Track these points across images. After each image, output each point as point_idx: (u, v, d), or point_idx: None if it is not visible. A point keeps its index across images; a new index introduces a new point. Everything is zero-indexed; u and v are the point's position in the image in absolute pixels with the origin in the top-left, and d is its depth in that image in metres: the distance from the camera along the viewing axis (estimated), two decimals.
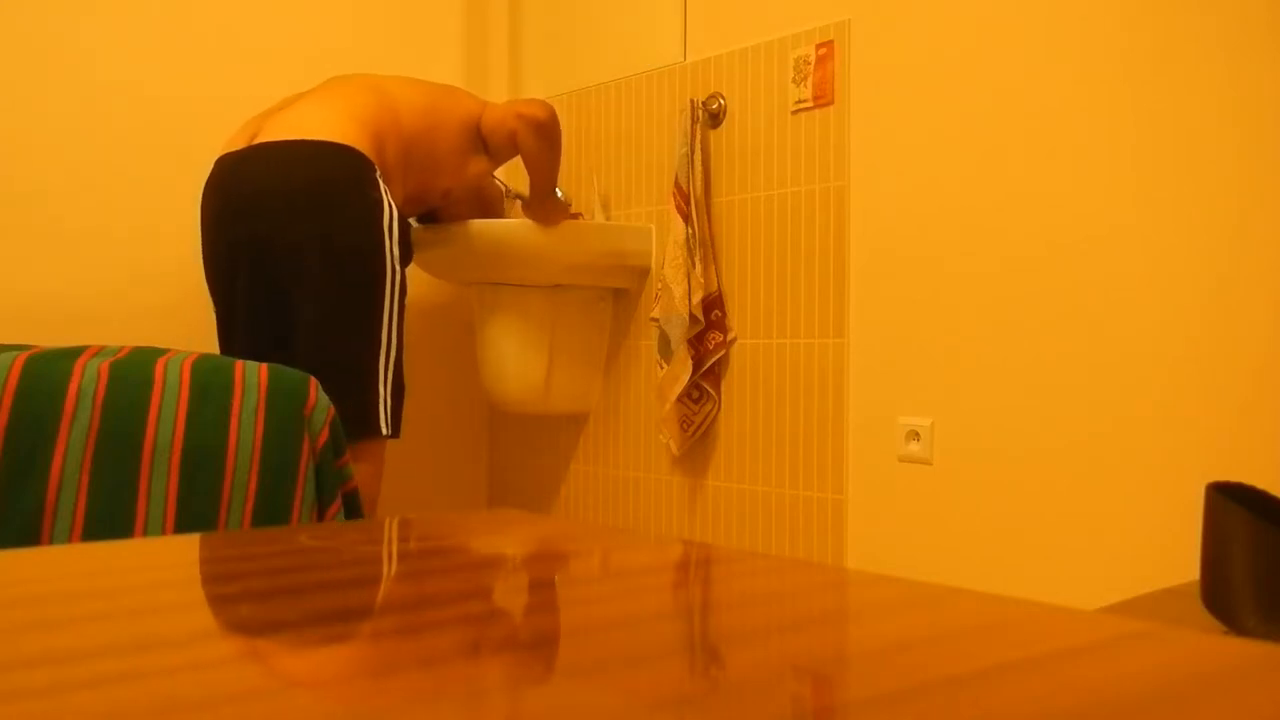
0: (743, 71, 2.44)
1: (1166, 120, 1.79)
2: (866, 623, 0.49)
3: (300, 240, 2.00)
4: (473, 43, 3.06)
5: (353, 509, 1.67)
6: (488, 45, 3.09)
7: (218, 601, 0.53)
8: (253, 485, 1.51)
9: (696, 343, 2.42)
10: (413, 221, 2.54)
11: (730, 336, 2.45)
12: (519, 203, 2.56)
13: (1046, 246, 1.94)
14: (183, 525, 1.46)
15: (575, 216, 2.64)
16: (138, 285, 2.50)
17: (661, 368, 2.42)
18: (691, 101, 2.48)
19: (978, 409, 2.03)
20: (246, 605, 0.51)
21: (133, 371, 1.50)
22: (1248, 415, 1.70)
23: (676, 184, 2.45)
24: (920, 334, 2.11)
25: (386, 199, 2.06)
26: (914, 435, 2.12)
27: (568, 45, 2.92)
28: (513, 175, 2.75)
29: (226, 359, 1.62)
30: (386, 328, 2.04)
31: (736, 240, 2.44)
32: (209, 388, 1.53)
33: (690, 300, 2.37)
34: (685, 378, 2.39)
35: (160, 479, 1.46)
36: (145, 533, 1.44)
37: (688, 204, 2.42)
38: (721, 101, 2.48)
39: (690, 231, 2.41)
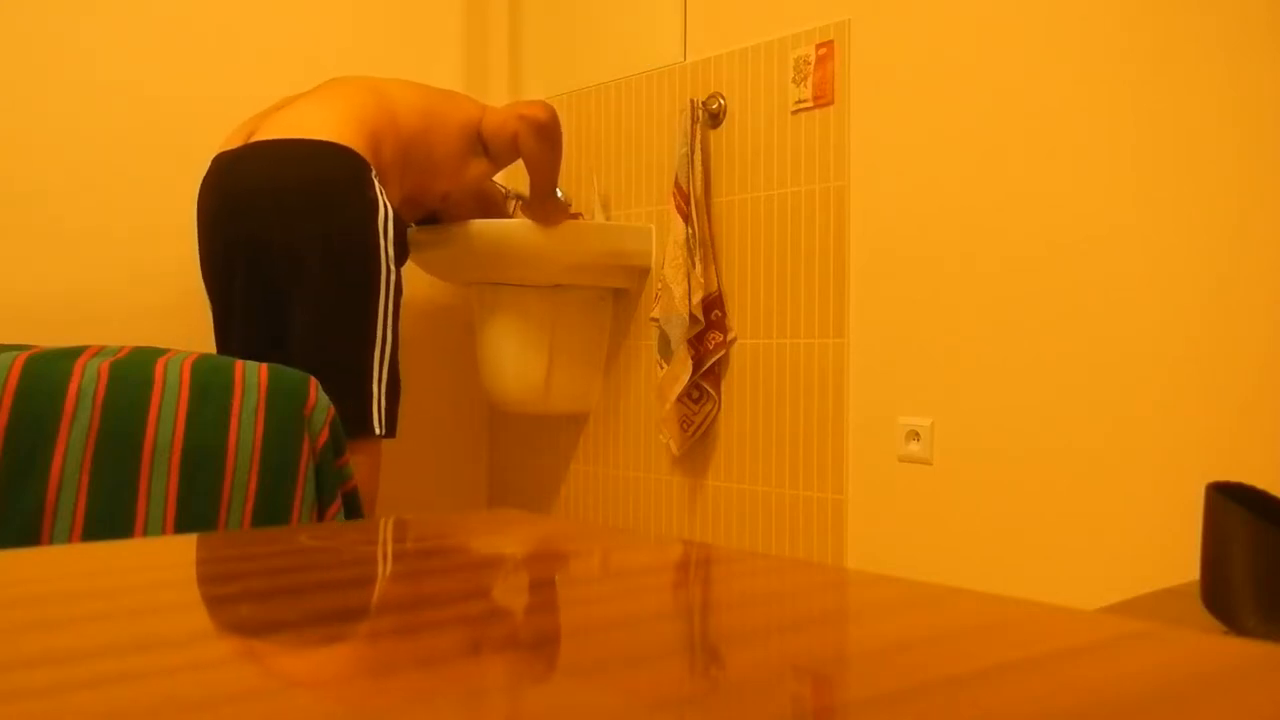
0: (743, 71, 2.44)
1: (1166, 120, 1.79)
2: (866, 623, 0.49)
3: (295, 240, 2.01)
4: (473, 43, 3.06)
5: (353, 509, 1.67)
6: (488, 46, 3.09)
7: (218, 601, 0.53)
8: (253, 485, 1.51)
9: (696, 343, 2.42)
10: (411, 225, 2.54)
11: (730, 336, 2.45)
12: (519, 203, 2.56)
13: (1046, 246, 1.94)
14: (183, 525, 1.46)
15: (575, 216, 2.64)
16: (138, 285, 2.49)
17: (661, 368, 2.42)
18: (691, 101, 2.48)
19: (978, 409, 2.03)
20: (246, 605, 0.51)
21: (133, 371, 1.50)
22: (1248, 415, 1.70)
23: (676, 184, 2.45)
24: (920, 334, 2.11)
25: (382, 199, 2.06)
26: (914, 435, 2.12)
27: (568, 45, 2.92)
28: (513, 176, 2.75)
29: (226, 359, 1.62)
30: (381, 327, 2.05)
31: (736, 240, 2.44)
32: (209, 388, 1.53)
33: (690, 300, 2.37)
34: (685, 378, 2.39)
35: (160, 479, 1.46)
36: (145, 533, 1.44)
37: (688, 204, 2.42)
38: (721, 101, 2.48)
39: (690, 231, 2.41)
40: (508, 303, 2.62)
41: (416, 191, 2.32)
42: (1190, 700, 0.36)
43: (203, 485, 1.48)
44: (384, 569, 0.64)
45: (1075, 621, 0.47)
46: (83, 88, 2.43)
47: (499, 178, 2.64)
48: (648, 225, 2.65)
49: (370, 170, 2.06)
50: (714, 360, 2.45)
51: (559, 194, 2.51)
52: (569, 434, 2.86)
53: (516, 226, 2.47)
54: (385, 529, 0.78)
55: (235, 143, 2.13)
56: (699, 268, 2.40)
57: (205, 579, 0.60)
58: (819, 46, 2.29)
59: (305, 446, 1.57)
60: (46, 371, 1.45)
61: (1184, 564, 1.52)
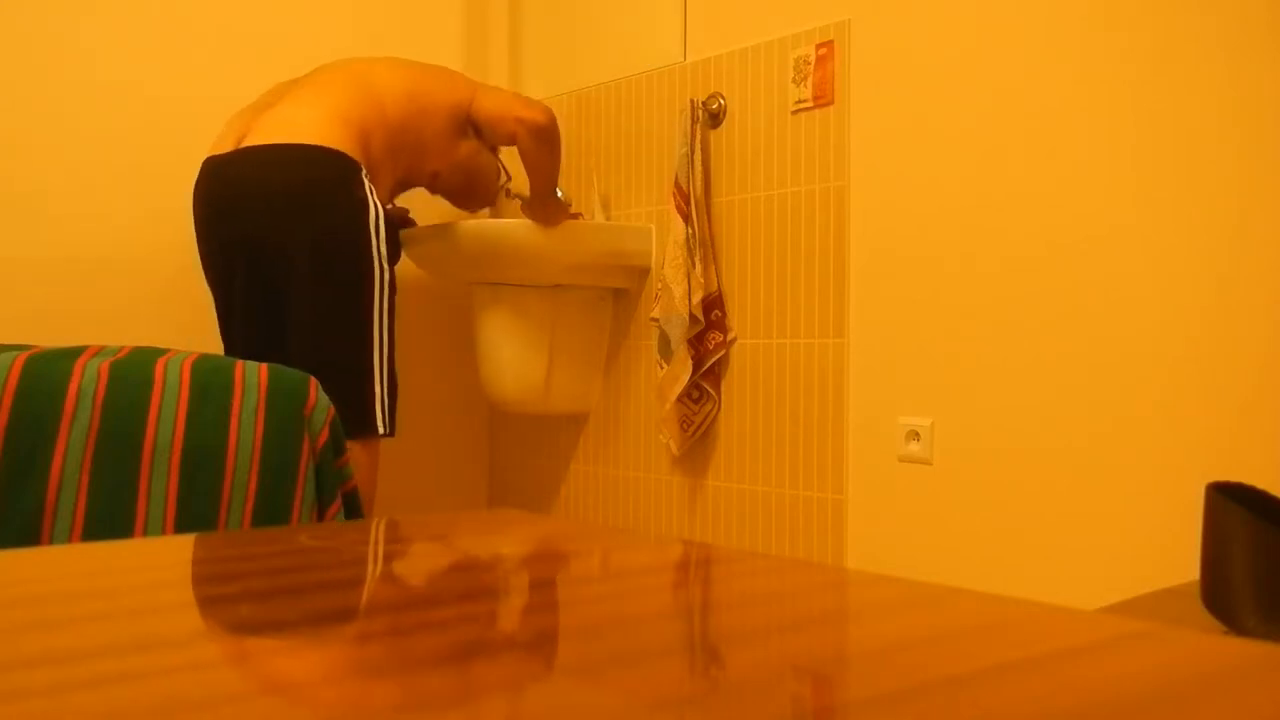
0: (743, 71, 2.44)
1: (1166, 120, 1.79)
2: (866, 623, 0.49)
3: (287, 243, 2.02)
4: (473, 43, 3.06)
5: (353, 509, 1.67)
6: (488, 45, 3.09)
7: (218, 601, 0.53)
8: (253, 485, 1.51)
9: (696, 343, 2.42)
10: (391, 203, 2.55)
11: (730, 336, 2.45)
12: (519, 203, 2.56)
13: (1046, 246, 1.94)
14: (183, 525, 1.46)
15: (575, 216, 2.64)
16: (138, 285, 2.50)
17: (661, 368, 2.42)
18: (691, 101, 2.48)
19: (978, 409, 2.03)
20: (246, 605, 0.51)
21: (133, 371, 1.50)
22: (1248, 415, 1.70)
23: (676, 184, 2.45)
24: (920, 334, 2.11)
25: (371, 198, 2.07)
26: (914, 435, 2.12)
27: (568, 45, 2.92)
28: (513, 169, 2.75)
29: (226, 359, 1.62)
30: (377, 326, 2.06)
31: (736, 240, 2.44)
32: (209, 388, 1.53)
33: (690, 300, 2.37)
34: (685, 378, 2.39)
35: (160, 479, 1.46)
36: (145, 533, 1.44)
37: (688, 204, 2.42)
38: (721, 101, 2.48)
39: (690, 231, 2.41)
40: (508, 303, 2.62)
41: (408, 174, 2.34)
42: (1190, 700, 0.36)
43: (203, 485, 1.48)
44: (383, 569, 0.64)
45: (1075, 621, 0.47)
46: (83, 87, 2.43)
47: (503, 158, 2.62)
48: (648, 225, 2.65)
49: (359, 170, 2.07)
50: (714, 360, 2.44)
51: (559, 194, 2.50)
52: (569, 434, 2.86)
53: (516, 226, 2.47)
54: (385, 529, 0.78)
55: (225, 145, 2.13)
56: (699, 268, 2.40)
57: (205, 579, 0.60)
58: (819, 46, 2.29)
59: (305, 446, 1.57)
60: (46, 371, 1.45)
61: (1184, 564, 1.52)
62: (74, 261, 2.43)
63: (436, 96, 2.29)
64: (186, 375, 1.53)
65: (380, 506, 2.77)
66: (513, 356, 2.63)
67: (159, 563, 0.65)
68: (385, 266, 2.08)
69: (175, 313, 2.50)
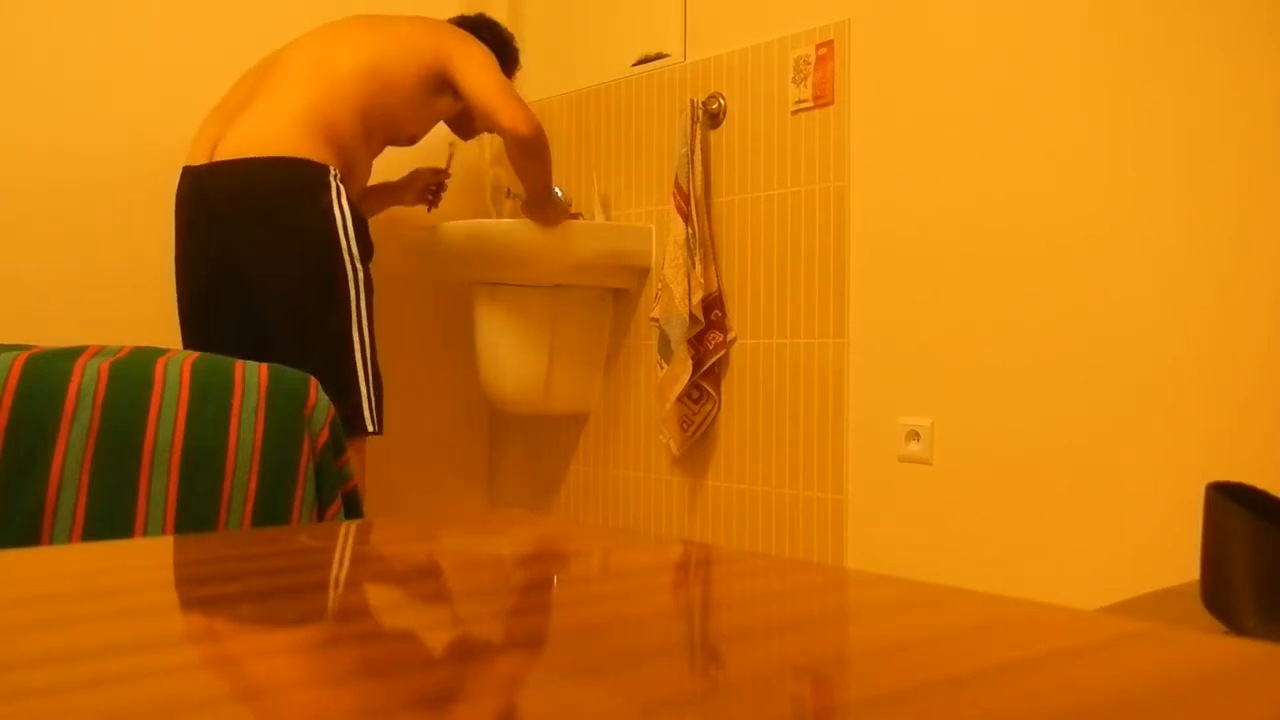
0: (743, 71, 2.44)
1: (1166, 120, 1.79)
2: (866, 623, 0.49)
3: (262, 257, 2.08)
4: None
5: (353, 509, 1.67)
6: None
7: (218, 601, 0.53)
8: (253, 485, 1.51)
9: (696, 343, 2.42)
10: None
11: (730, 336, 2.45)
12: (519, 203, 2.56)
13: (1046, 246, 1.94)
14: (183, 525, 1.46)
15: (575, 216, 2.64)
16: (137, 285, 2.50)
17: (661, 368, 2.42)
18: (691, 101, 2.47)
19: (978, 409, 2.03)
20: (246, 605, 0.51)
21: (133, 371, 1.50)
22: (1248, 415, 1.70)
23: (676, 184, 2.45)
24: (920, 334, 2.11)
25: (338, 202, 2.09)
26: (914, 435, 2.12)
27: (568, 45, 2.92)
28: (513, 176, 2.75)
29: (227, 359, 1.62)
30: (357, 327, 2.09)
31: (736, 240, 2.44)
32: (209, 388, 1.53)
33: (690, 300, 2.37)
34: (685, 378, 2.39)
35: (160, 479, 1.46)
36: (145, 533, 1.44)
37: (688, 204, 2.42)
38: (721, 101, 2.48)
39: (690, 231, 2.41)
40: (508, 303, 2.62)
41: (388, 143, 2.33)
42: (1190, 700, 0.36)
43: (203, 485, 1.48)
44: (384, 569, 0.64)
45: (1075, 621, 0.47)
46: (83, 87, 2.43)
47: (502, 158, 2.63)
48: (648, 225, 2.65)
49: (327, 173, 2.09)
50: (714, 360, 2.44)
51: (558, 193, 2.50)
52: (569, 434, 2.86)
53: (516, 226, 2.47)
54: (385, 530, 0.78)
55: (200, 154, 2.17)
56: (699, 268, 2.40)
57: (205, 579, 0.60)
58: (819, 46, 2.29)
59: (305, 446, 1.57)
60: (46, 371, 1.45)
61: (1184, 564, 1.52)
62: (74, 261, 2.43)
63: (402, 65, 2.23)
64: (186, 375, 1.53)
65: (380, 506, 2.77)
66: (512, 356, 2.63)
67: (159, 563, 0.65)
68: (359, 267, 2.11)
69: (175, 313, 2.50)
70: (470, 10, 3.04)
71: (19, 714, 0.33)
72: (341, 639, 0.45)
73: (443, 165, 2.64)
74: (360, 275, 2.11)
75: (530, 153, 2.27)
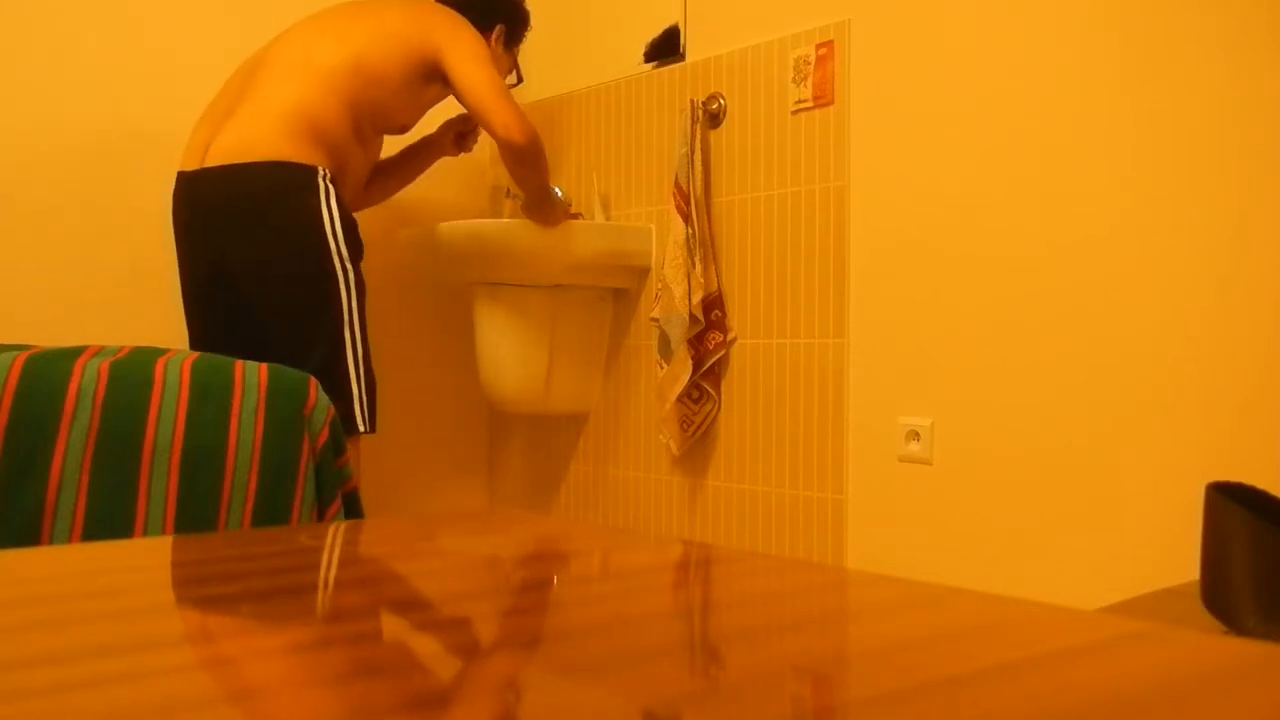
0: (743, 71, 2.44)
1: (1166, 120, 1.79)
2: (866, 623, 0.49)
3: (250, 259, 2.10)
4: None
5: (353, 509, 1.67)
6: None
7: (218, 601, 0.53)
8: (253, 485, 1.51)
9: (696, 343, 2.42)
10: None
11: (730, 336, 2.45)
12: (519, 203, 2.55)
13: (1046, 246, 1.94)
14: (183, 525, 1.46)
15: (575, 216, 2.64)
16: (137, 285, 2.50)
17: (661, 368, 2.42)
18: (691, 101, 2.47)
19: (978, 409, 2.03)
20: (246, 605, 0.51)
21: (133, 371, 1.50)
22: (1248, 415, 1.70)
23: (676, 184, 2.45)
24: (920, 334, 2.11)
25: (327, 203, 2.10)
26: (914, 435, 2.12)
27: (568, 45, 2.92)
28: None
29: (226, 359, 1.62)
30: (349, 327, 2.10)
31: (736, 240, 2.44)
32: (209, 388, 1.53)
33: (690, 300, 2.37)
34: (685, 378, 2.39)
35: (160, 479, 1.46)
36: (145, 533, 1.44)
37: (688, 204, 2.42)
38: (721, 101, 2.48)
39: (690, 231, 2.41)
40: (508, 303, 2.62)
41: (379, 134, 2.33)
42: (1190, 700, 0.36)
43: (203, 485, 1.48)
44: (384, 570, 0.64)
45: (1075, 621, 0.47)
46: (83, 86, 2.43)
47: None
48: (648, 225, 2.65)
49: (315, 174, 2.10)
50: (714, 360, 2.44)
51: (558, 193, 2.50)
52: (569, 434, 2.86)
53: (516, 226, 2.47)
54: (384, 530, 0.78)
55: (193, 158, 2.18)
56: (699, 268, 2.40)
57: (205, 579, 0.60)
58: (819, 46, 2.29)
59: (305, 446, 1.57)
60: (46, 371, 1.45)
61: (1184, 564, 1.52)
62: (73, 261, 2.43)
63: (387, 56, 2.22)
64: (186, 375, 1.53)
65: (380, 506, 2.77)
66: (512, 357, 2.63)
67: (159, 563, 0.65)
68: (349, 267, 2.12)
69: (174, 313, 2.50)
70: None
71: (19, 714, 0.33)
72: (341, 639, 0.45)
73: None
74: (351, 275, 2.11)
75: (524, 160, 2.25)
